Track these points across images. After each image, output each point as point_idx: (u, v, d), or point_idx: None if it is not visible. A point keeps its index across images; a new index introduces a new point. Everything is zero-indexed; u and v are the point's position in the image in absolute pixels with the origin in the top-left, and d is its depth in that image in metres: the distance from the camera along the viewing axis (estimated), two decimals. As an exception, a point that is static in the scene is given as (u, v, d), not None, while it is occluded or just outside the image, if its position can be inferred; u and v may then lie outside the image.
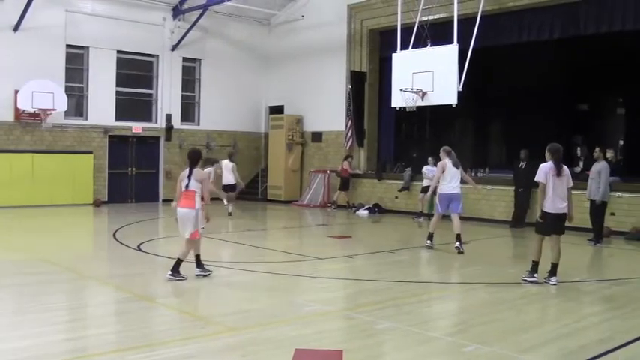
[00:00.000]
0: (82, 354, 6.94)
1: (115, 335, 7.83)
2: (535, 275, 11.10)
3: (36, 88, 22.00)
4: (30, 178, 22.72)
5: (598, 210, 16.69)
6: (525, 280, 11.13)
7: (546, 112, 23.82)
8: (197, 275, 11.05)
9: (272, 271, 12.11)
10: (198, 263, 11.28)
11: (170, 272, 10.79)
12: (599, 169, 16.47)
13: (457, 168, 14.91)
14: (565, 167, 11.10)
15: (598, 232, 16.73)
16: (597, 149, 16.91)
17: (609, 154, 18.69)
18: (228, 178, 20.72)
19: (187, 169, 11.11)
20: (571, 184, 11.07)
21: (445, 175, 14.85)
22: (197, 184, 11.01)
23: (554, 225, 11.03)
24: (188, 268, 10.93)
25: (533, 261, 11.21)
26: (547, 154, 11.08)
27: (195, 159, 11.33)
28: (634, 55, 21.03)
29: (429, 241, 15.25)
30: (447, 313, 8.94)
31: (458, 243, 14.55)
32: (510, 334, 7.90)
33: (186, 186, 11.02)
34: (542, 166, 11.06)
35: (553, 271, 11.01)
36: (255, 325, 8.11)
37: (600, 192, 16.39)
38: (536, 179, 11.11)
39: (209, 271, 11.26)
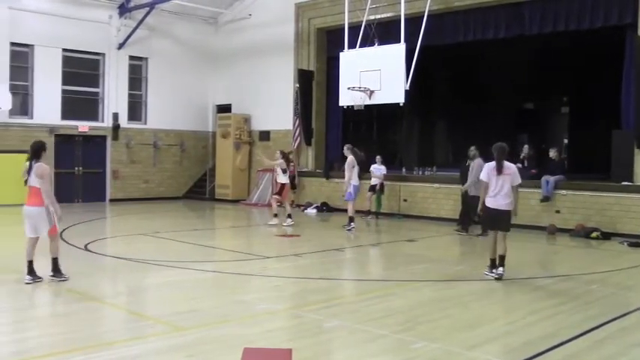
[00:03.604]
0: (26, 356, 6.84)
1: (60, 337, 7.73)
2: (494, 271, 11.35)
3: (-21, 86, 21.64)
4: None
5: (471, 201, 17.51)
6: (487, 275, 11.43)
7: (492, 110, 24.16)
8: (51, 279, 10.41)
9: (220, 270, 12.09)
10: (55, 267, 10.55)
11: (52, 274, 10.44)
12: (473, 165, 17.48)
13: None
14: (510, 165, 11.41)
15: (463, 221, 18.22)
16: (472, 147, 17.85)
17: (552, 152, 19.06)
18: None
19: (28, 162, 10.29)
20: (518, 181, 11.35)
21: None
22: (39, 180, 10.13)
23: (495, 220, 11.38)
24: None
25: (490, 258, 11.51)
26: (494, 154, 11.40)
27: (36, 150, 10.35)
28: (578, 55, 21.46)
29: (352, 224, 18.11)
30: (394, 310, 9.01)
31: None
32: (457, 331, 8.00)
33: (26, 181, 10.27)
34: (486, 164, 11.50)
35: (501, 263, 11.31)
36: (203, 325, 8.09)
37: (474, 188, 17.15)
38: (480, 177, 11.64)
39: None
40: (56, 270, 10.47)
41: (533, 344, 7.42)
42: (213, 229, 19.07)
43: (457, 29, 21.58)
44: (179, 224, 19.21)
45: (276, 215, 19.02)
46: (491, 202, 11.27)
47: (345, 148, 18.59)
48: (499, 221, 11.36)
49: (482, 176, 11.41)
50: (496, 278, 11.21)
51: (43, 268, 10.50)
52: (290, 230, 18.07)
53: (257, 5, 27.70)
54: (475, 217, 16.80)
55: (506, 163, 11.35)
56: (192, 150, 29.03)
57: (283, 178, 19.12)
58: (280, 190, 19.23)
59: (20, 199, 23.07)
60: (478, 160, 17.43)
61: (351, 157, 18.29)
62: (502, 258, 11.32)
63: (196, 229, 18.46)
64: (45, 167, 10.27)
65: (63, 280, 10.37)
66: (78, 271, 11.81)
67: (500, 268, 11.27)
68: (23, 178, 10.27)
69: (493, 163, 11.30)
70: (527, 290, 10.73)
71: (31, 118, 24.63)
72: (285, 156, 19.32)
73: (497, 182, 11.21)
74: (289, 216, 18.97)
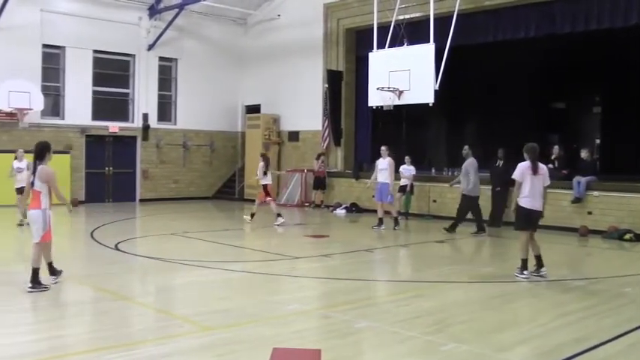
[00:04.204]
0: (59, 354, 6.91)
1: (91, 335, 7.81)
2: (525, 272, 11.30)
3: (12, 87, 21.92)
4: (6, 178, 22.49)
5: (470, 203, 17.88)
6: (517, 277, 11.34)
7: (523, 110, 23.96)
8: (54, 283, 10.10)
9: (249, 270, 12.10)
10: (52, 271, 10.28)
11: (30, 285, 9.68)
12: (466, 165, 17.66)
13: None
14: (542, 165, 11.48)
15: (480, 224, 17.96)
16: (466, 147, 18.06)
17: (584, 153, 18.85)
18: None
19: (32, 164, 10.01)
20: (548, 182, 11.42)
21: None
22: (41, 184, 9.83)
23: (530, 220, 11.37)
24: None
25: (522, 259, 11.42)
26: (525, 154, 11.42)
27: (40, 151, 10.01)
28: (610, 54, 21.22)
29: (380, 226, 18.36)
30: (423, 312, 8.96)
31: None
32: (487, 333, 7.94)
33: (32, 183, 9.95)
34: (519, 164, 11.41)
35: (539, 263, 11.38)
36: (232, 325, 8.10)
37: (466, 187, 17.68)
38: (512, 176, 11.51)
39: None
40: (35, 281, 9.74)
41: (563, 347, 7.34)
42: (242, 229, 19.09)
43: (487, 29, 21.45)
44: (208, 224, 19.27)
45: (279, 215, 19.28)
46: (526, 203, 11.23)
47: (383, 148, 18.52)
48: (534, 221, 11.41)
49: (516, 176, 11.33)
50: (526, 278, 11.20)
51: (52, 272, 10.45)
52: (280, 230, 18.59)
53: (286, 6, 27.73)
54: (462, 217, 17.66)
55: (539, 164, 11.38)
56: (221, 150, 29.13)
57: (264, 180, 19.31)
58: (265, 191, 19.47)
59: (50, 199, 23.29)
60: (470, 160, 17.73)
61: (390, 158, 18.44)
62: (540, 258, 11.37)
63: (225, 229, 18.50)
64: (49, 172, 9.93)
65: (43, 291, 9.69)
66: (108, 270, 11.93)
67: (543, 269, 11.34)
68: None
69: (527, 163, 11.27)
70: (557, 292, 10.63)
71: (63, 118, 24.87)
72: (264, 158, 19.58)
73: (532, 182, 11.21)
74: (279, 215, 19.32)
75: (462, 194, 17.88)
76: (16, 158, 17.76)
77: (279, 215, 19.25)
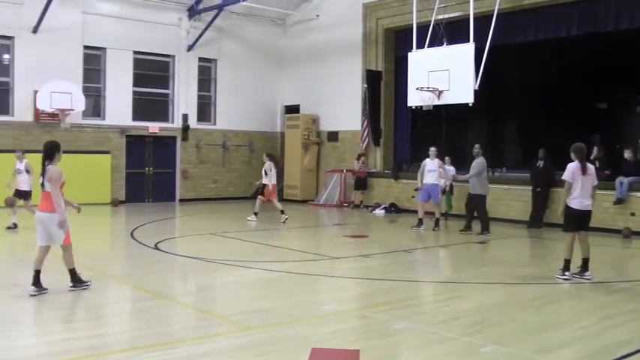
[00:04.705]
0: (100, 352, 6.97)
1: (132, 333, 7.87)
2: (567, 273, 11.21)
3: (54, 88, 22.13)
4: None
5: (479, 203, 17.74)
6: (558, 278, 11.22)
7: (564, 110, 23.68)
8: (72, 289, 9.67)
9: (288, 270, 12.10)
10: (74, 277, 9.81)
11: (71, 284, 9.64)
12: (475, 164, 17.59)
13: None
14: (590, 166, 11.49)
15: (485, 224, 17.78)
16: (477, 145, 17.92)
17: (627, 153, 18.58)
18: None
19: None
20: (595, 182, 11.41)
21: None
22: (49, 184, 9.50)
23: (581, 221, 11.32)
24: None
25: (565, 259, 11.30)
26: (572, 154, 11.38)
27: (49, 151, 9.68)
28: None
29: (419, 227, 18.34)
30: (463, 313, 8.90)
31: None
32: (527, 335, 7.86)
33: (42, 185, 9.57)
34: (569, 165, 11.31)
35: (585, 266, 11.27)
36: (271, 325, 8.11)
37: (474, 186, 17.65)
38: (563, 177, 11.42)
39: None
40: (75, 280, 9.72)
41: (607, 350, 7.23)
42: (281, 229, 19.12)
43: (527, 28, 21.25)
44: (247, 224, 19.32)
45: (256, 213, 19.92)
46: (577, 204, 11.15)
47: (432, 149, 18.52)
48: (584, 222, 11.37)
49: (567, 177, 11.23)
50: (567, 279, 11.09)
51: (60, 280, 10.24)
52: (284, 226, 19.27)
53: (325, 6, 27.74)
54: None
55: (588, 164, 11.38)
56: (260, 150, 29.06)
57: (265, 179, 19.81)
58: (262, 190, 20.05)
59: (90, 198, 23.61)
60: (481, 159, 17.61)
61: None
62: (587, 261, 11.28)
63: (264, 229, 18.55)
64: (55, 171, 9.54)
65: (86, 288, 9.73)
66: (148, 270, 12.02)
67: (587, 273, 11.21)
68: (40, 182, 9.58)
69: (577, 164, 11.18)
70: (600, 294, 10.50)
71: (103, 119, 25.12)
72: (273, 158, 20.35)
73: (583, 183, 11.15)
74: (282, 212, 19.96)
75: (473, 194, 17.73)
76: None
77: (282, 212, 19.88)
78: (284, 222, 19.56)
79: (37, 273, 9.42)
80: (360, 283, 11.18)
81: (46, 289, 9.45)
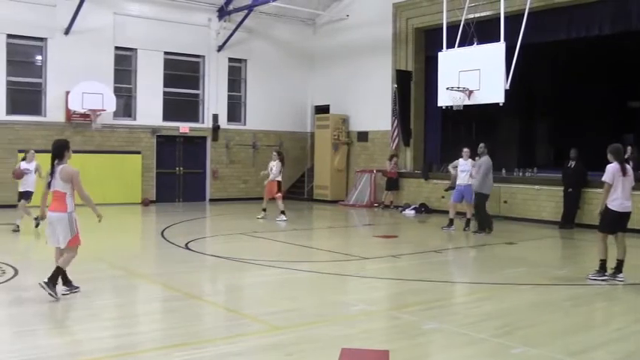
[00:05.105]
0: (130, 351, 7.01)
1: (162, 332, 7.92)
2: (605, 274, 11.14)
3: (86, 89, 22.36)
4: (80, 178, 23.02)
5: (480, 201, 17.73)
6: (593, 279, 11.13)
7: (596, 110, 23.48)
8: (40, 284, 9.05)
9: (318, 270, 12.11)
10: (65, 280, 9.39)
11: (46, 281, 9.01)
12: (480, 163, 17.52)
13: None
14: (629, 166, 11.36)
15: (482, 222, 17.83)
16: (482, 145, 17.86)
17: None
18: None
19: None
20: (633, 183, 11.37)
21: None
22: (64, 184, 9.17)
23: (620, 223, 11.23)
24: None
25: (600, 260, 11.23)
26: (609, 155, 11.28)
27: (59, 150, 9.37)
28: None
29: (450, 227, 18.33)
30: (493, 314, 8.84)
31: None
32: (559, 337, 7.79)
33: (49, 185, 9.32)
34: (608, 166, 11.18)
35: (619, 268, 11.16)
36: (300, 325, 8.12)
37: (479, 184, 17.51)
38: (603, 179, 11.27)
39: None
40: (53, 280, 9.07)
41: (640, 353, 7.17)
42: (311, 229, 19.15)
43: (559, 26, 21.07)
44: (277, 224, 19.35)
45: (283, 212, 20.15)
46: (617, 206, 11.04)
47: (466, 150, 18.47)
48: (622, 223, 11.27)
49: (607, 179, 11.08)
50: (602, 280, 10.99)
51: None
52: (284, 225, 19.29)
53: (354, 6, 27.72)
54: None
55: (626, 165, 11.31)
56: (290, 150, 29.21)
57: (278, 176, 20.29)
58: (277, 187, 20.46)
59: (120, 198, 23.78)
60: (485, 158, 17.53)
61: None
62: (621, 263, 11.17)
63: (294, 229, 18.56)
64: (71, 171, 9.24)
65: (51, 295, 8.97)
66: (179, 269, 12.08)
67: (620, 275, 11.10)
68: (47, 181, 9.32)
69: (617, 165, 11.06)
70: (634, 296, 10.40)
71: (134, 119, 25.30)
72: (281, 155, 20.70)
73: (623, 184, 11.07)
74: (282, 212, 20.14)
75: (477, 192, 17.65)
76: (24, 159, 16.57)
77: (282, 212, 20.05)
78: (261, 218, 20.19)
79: (64, 273, 9.32)
80: (390, 284, 11.16)
81: (77, 287, 9.43)
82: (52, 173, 9.23)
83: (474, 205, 17.87)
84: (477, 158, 17.93)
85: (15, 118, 22.66)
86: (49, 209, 9.29)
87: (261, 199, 21.39)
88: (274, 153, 20.83)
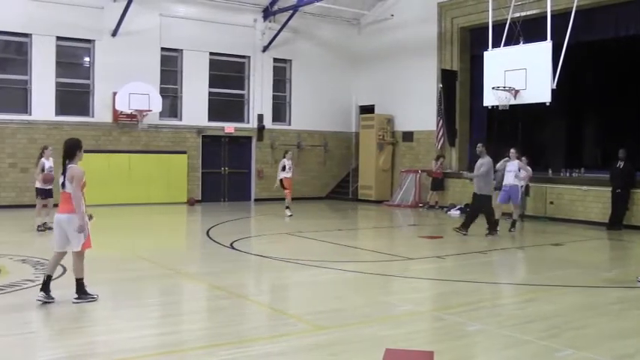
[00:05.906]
0: (176, 349, 7.10)
1: (207, 331, 7.98)
2: None
3: (133, 90, 22.67)
4: (127, 177, 23.36)
5: (486, 203, 17.41)
6: None
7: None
8: (76, 302, 8.88)
9: (363, 270, 12.10)
10: (79, 289, 9.02)
11: (76, 296, 8.91)
12: (482, 163, 17.20)
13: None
14: None
15: (492, 225, 17.39)
16: (480, 144, 17.74)
17: None
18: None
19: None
20: None
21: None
22: (71, 185, 8.86)
23: None
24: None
25: None
26: None
27: (70, 149, 9.07)
28: None
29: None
30: (539, 316, 8.76)
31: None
32: (606, 340, 7.70)
33: (62, 185, 8.95)
34: None
35: None
36: (344, 325, 8.13)
37: (479, 186, 17.27)
38: None
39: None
40: (81, 291, 8.98)
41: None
42: (356, 229, 19.15)
43: (608, 24, 20.81)
44: (322, 224, 19.39)
45: (288, 207, 21.47)
46: None
47: (513, 151, 18.44)
48: None
49: None
50: None
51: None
52: (288, 220, 20.40)
53: (399, 6, 27.64)
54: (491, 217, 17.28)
55: None
56: (335, 150, 29.26)
57: (281, 174, 21.58)
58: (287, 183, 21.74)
59: (166, 198, 24.05)
60: (488, 158, 17.27)
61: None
62: None
63: (339, 229, 18.58)
64: (77, 171, 8.90)
65: (91, 301, 8.95)
66: (224, 268, 12.17)
67: None
68: (60, 182, 8.99)
69: None
70: (682, 298, 10.23)
71: (180, 119, 25.53)
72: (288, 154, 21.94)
73: None
74: (287, 207, 21.45)
75: (479, 194, 17.32)
76: (42, 156, 16.31)
77: (287, 208, 21.36)
78: (290, 215, 21.10)
79: (49, 278, 8.94)
80: (434, 284, 11.12)
81: (53, 298, 8.83)
82: (63, 173, 8.98)
83: (484, 209, 17.48)
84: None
85: (64, 119, 22.99)
86: (58, 211, 9.02)
87: (308, 199, 21.70)
88: (289, 152, 22.05)
